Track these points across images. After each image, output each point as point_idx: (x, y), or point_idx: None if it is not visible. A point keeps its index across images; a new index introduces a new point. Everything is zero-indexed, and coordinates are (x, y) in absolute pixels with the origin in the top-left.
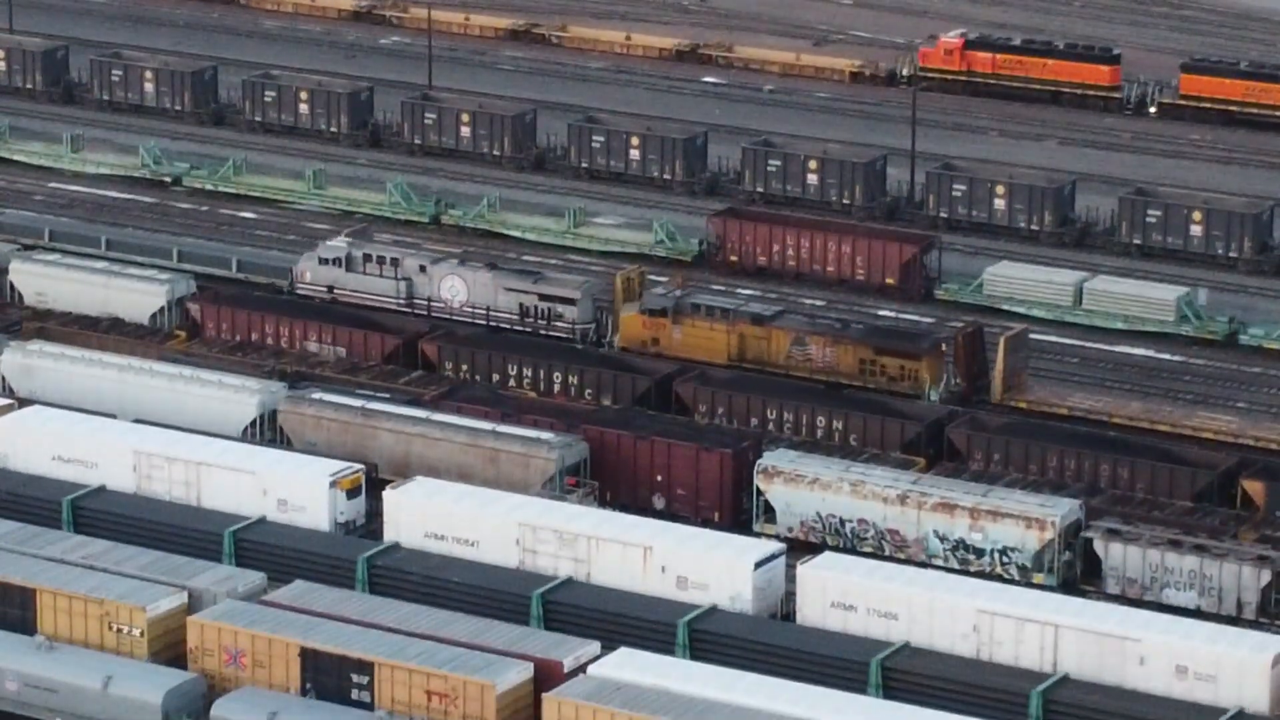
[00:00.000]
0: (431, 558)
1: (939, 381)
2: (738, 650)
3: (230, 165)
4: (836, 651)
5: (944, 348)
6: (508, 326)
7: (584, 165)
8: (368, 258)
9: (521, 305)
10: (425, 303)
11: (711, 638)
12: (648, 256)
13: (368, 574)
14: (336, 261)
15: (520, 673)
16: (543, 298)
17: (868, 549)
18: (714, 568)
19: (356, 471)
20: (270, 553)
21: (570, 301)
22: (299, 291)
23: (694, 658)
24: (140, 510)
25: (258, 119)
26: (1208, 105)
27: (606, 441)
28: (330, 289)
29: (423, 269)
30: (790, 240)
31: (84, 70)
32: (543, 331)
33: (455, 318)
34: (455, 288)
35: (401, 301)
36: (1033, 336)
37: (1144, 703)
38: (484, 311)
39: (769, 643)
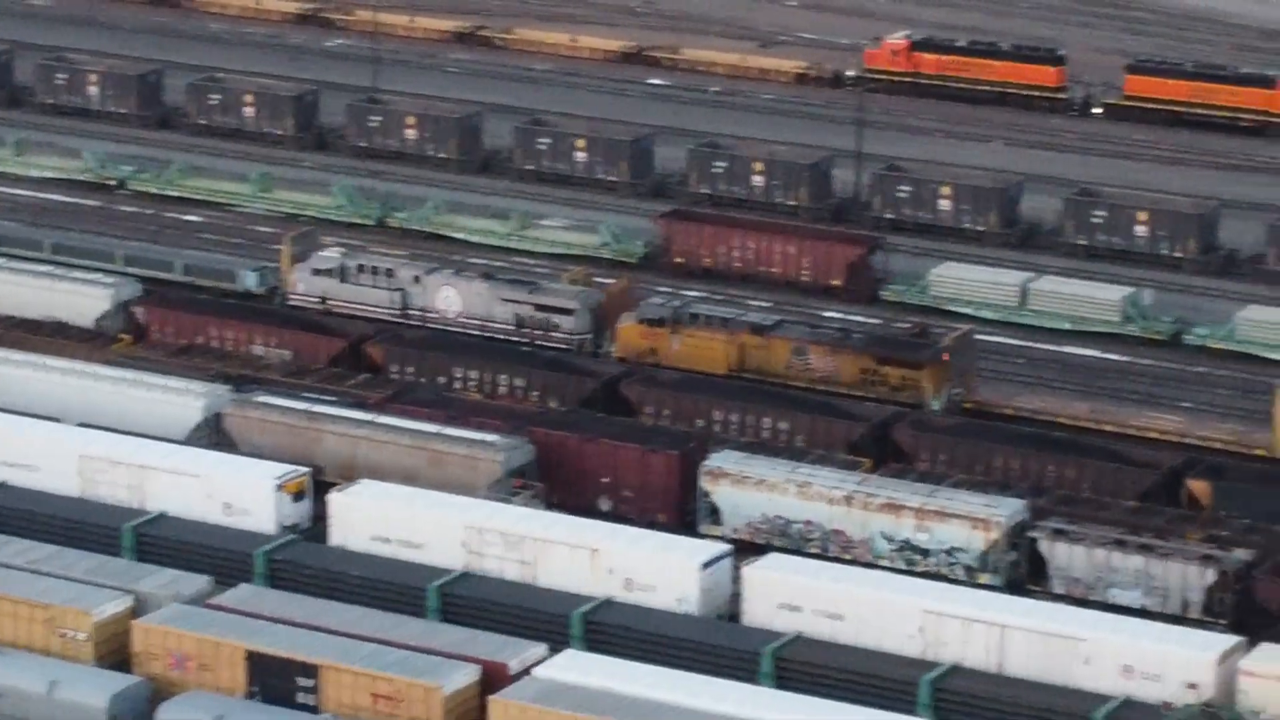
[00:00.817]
0: (330, 551)
1: (941, 391)
2: (632, 642)
3: (175, 168)
4: (729, 642)
5: (945, 357)
6: (504, 337)
7: (530, 167)
8: (361, 268)
9: (518, 315)
10: (420, 313)
11: (607, 630)
12: (594, 258)
13: (267, 568)
14: (330, 272)
15: (466, 675)
16: (539, 308)
17: (814, 550)
18: (661, 569)
19: (302, 474)
20: (169, 548)
21: (568, 312)
22: (291, 302)
23: (590, 649)
24: (38, 505)
25: (203, 122)
26: (1153, 106)
27: (553, 443)
28: (323, 299)
29: (417, 279)
30: (736, 241)
31: (29, 74)
32: (539, 342)
33: (450, 329)
34: (450, 298)
35: (396, 312)
36: (979, 337)
37: (1031, 690)
38: (479, 322)
39: (662, 634)
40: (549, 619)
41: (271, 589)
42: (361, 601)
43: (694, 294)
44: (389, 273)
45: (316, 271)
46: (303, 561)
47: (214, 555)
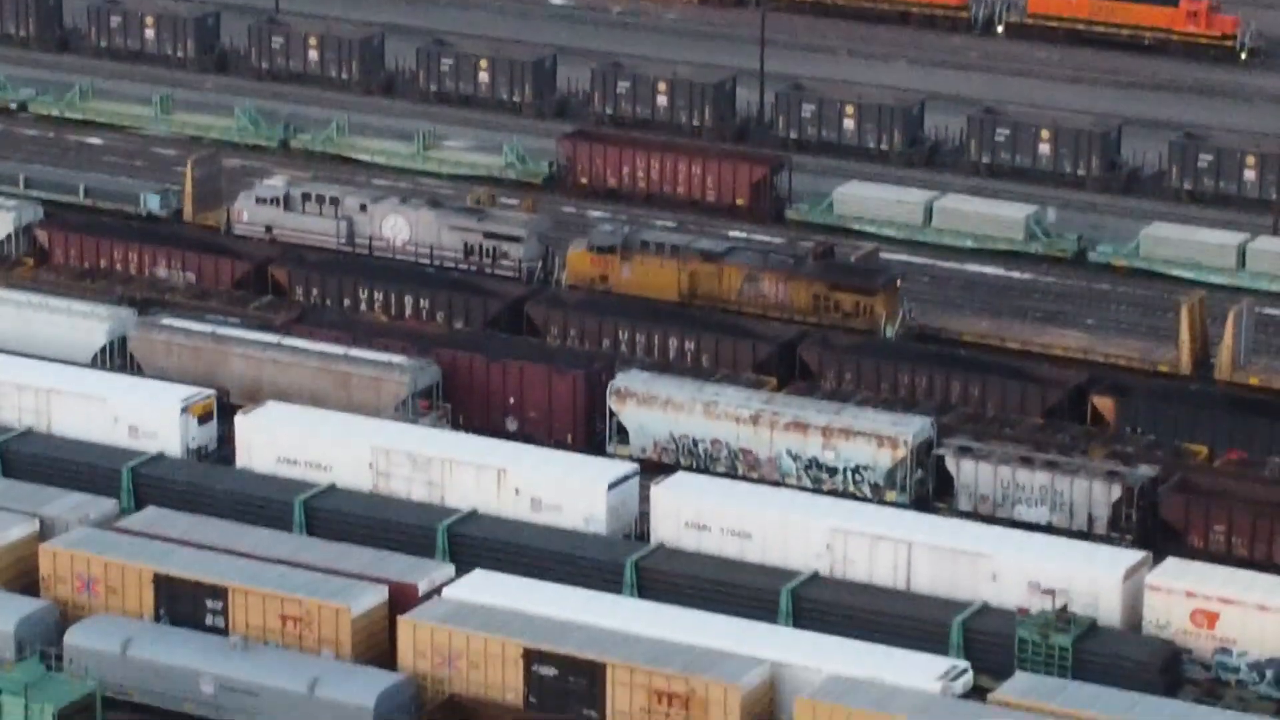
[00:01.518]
0: (196, 467)
1: (895, 317)
2: (494, 554)
3: (77, 91)
4: (591, 553)
5: (899, 283)
6: (452, 266)
7: (433, 89)
8: (306, 197)
9: (466, 244)
10: (366, 242)
11: (469, 542)
12: (498, 179)
13: (133, 484)
14: (274, 201)
15: (375, 596)
16: (488, 235)
17: (721, 469)
18: (568, 489)
19: (208, 397)
20: (33, 463)
21: (516, 239)
22: (236, 232)
23: (454, 561)
24: None
25: (104, 45)
26: (1055, 24)
27: (459, 365)
28: (268, 229)
29: (363, 208)
30: (640, 162)
31: None
32: (488, 270)
33: (398, 257)
34: (397, 226)
35: (342, 241)
36: (883, 256)
37: (889, 598)
38: (427, 250)
39: (524, 545)
40: (412, 531)
41: (179, 512)
42: (227, 515)
43: (598, 214)
44: (334, 201)
45: (260, 200)
46: (169, 477)
47: (79, 471)
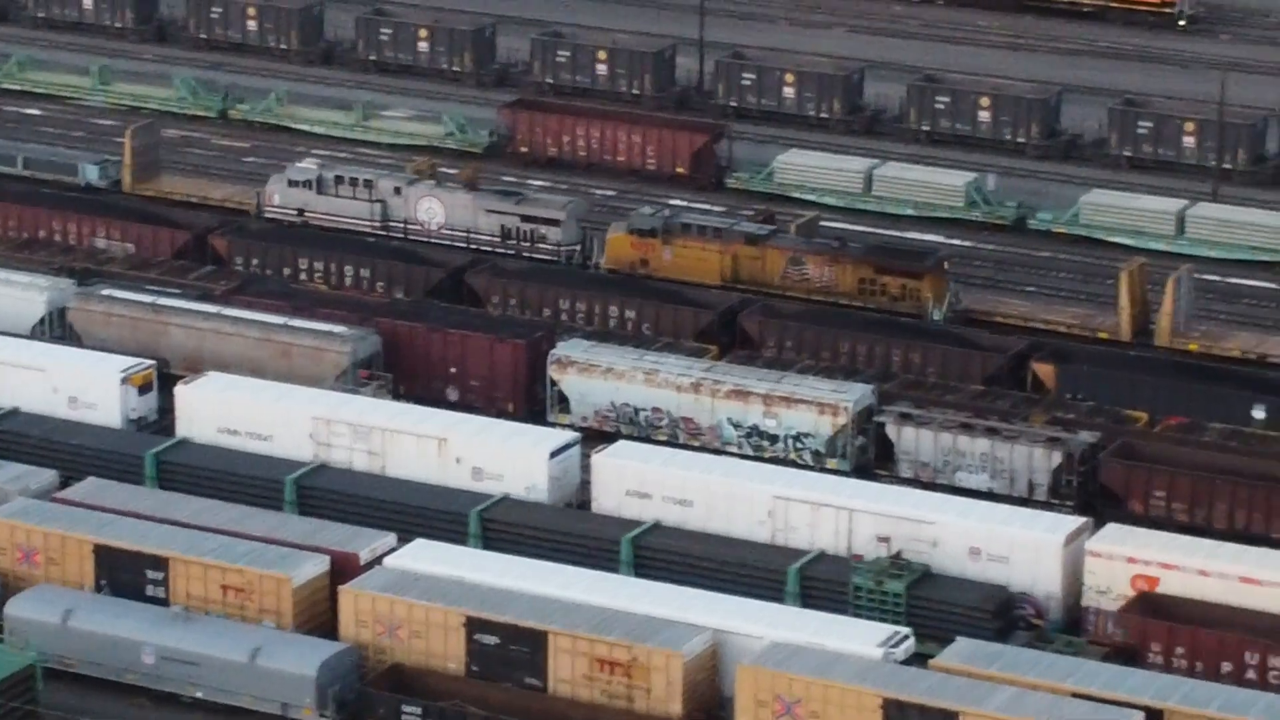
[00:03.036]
0: (49, 421)
1: (943, 300)
2: (337, 502)
3: (14, 62)
4: (439, 506)
5: (946, 265)
6: (489, 250)
7: (372, 58)
8: (340, 179)
9: (503, 227)
10: (401, 225)
11: (316, 492)
12: (438, 149)
13: None
14: (307, 184)
15: (316, 566)
16: (525, 219)
17: (662, 437)
18: (509, 458)
19: (148, 367)
20: None
21: (554, 223)
22: (266, 215)
23: (302, 512)
24: None
25: (41, 15)
26: None
27: (400, 334)
28: (300, 212)
29: (398, 190)
30: (580, 131)
31: None
32: (525, 254)
33: (433, 240)
34: (433, 210)
35: (376, 224)
36: (823, 224)
37: (726, 545)
38: (463, 234)
39: (373, 498)
40: (263, 484)
41: (119, 483)
42: (79, 472)
43: (539, 183)
44: (368, 184)
45: (293, 183)
46: (24, 433)
47: None
